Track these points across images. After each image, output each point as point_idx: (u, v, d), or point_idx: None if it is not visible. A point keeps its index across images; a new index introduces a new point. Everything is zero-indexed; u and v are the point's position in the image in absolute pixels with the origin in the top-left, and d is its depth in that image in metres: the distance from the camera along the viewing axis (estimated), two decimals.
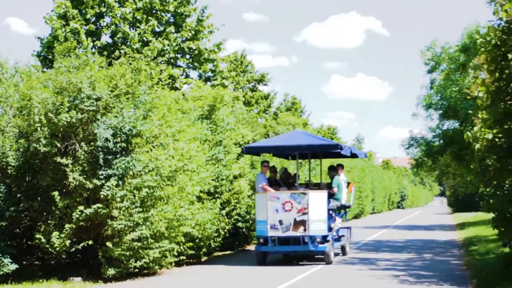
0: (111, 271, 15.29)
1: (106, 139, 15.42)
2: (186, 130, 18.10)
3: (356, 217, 49.07)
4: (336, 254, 20.19)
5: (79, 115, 15.67)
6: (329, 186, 20.20)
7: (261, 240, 18.61)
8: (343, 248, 21.13)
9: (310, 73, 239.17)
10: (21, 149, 16.17)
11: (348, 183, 21.74)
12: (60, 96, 15.87)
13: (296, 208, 18.21)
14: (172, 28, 29.37)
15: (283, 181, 20.44)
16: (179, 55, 30.16)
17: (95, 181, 15.32)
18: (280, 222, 18.20)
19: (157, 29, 29.71)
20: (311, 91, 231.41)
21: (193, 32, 29.90)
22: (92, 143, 15.79)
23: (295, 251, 18.85)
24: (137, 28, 28.86)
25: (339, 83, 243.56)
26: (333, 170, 20.81)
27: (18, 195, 16.29)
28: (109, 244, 15.26)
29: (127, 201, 15.27)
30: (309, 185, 20.78)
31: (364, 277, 15.93)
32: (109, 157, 15.51)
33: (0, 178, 16.10)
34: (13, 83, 17.54)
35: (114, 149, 15.53)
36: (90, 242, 15.49)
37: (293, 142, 19.46)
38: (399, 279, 15.34)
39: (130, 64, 17.77)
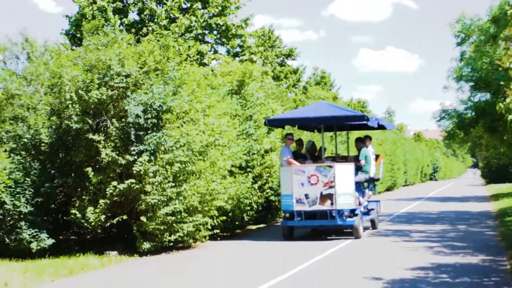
0: (146, 245, 15.51)
1: (137, 115, 15.56)
2: (216, 105, 18.14)
3: (388, 189, 49.02)
4: (365, 228, 19.84)
5: (109, 92, 15.82)
6: (356, 159, 19.72)
7: (287, 215, 18.31)
8: (372, 222, 20.58)
9: (339, 47, 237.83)
10: (53, 126, 16.41)
11: (377, 156, 21.22)
12: (90, 73, 16.03)
13: (322, 181, 17.79)
14: (199, 4, 29.42)
15: (310, 155, 19.91)
16: (206, 31, 30.22)
17: (128, 156, 15.49)
18: (306, 196, 17.84)
19: (184, 6, 29.75)
20: (340, 65, 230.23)
21: (220, 8, 29.90)
22: (123, 120, 15.96)
23: (322, 226, 18.47)
24: (163, 5, 28.94)
25: (367, 57, 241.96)
26: (360, 142, 20.23)
27: (52, 172, 16.55)
28: (143, 218, 15.45)
29: (159, 176, 15.42)
30: (336, 158, 20.27)
31: (398, 248, 15.96)
32: (141, 133, 15.66)
33: (34, 155, 16.36)
34: (43, 61, 17.72)
35: (145, 125, 15.68)
36: (125, 217, 15.70)
37: (317, 114, 18.81)
38: (434, 250, 15.33)
39: (158, 41, 17.86)
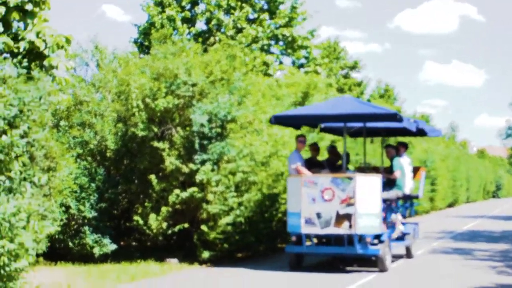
0: (206, 254, 15.46)
1: (202, 125, 15.57)
2: None
3: (450, 205, 48.14)
4: (397, 256, 16.59)
5: (175, 100, 15.88)
6: (388, 171, 16.07)
7: (294, 238, 14.57)
8: (407, 249, 16.86)
9: (403, 59, 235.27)
10: (119, 133, 16.54)
11: (416, 169, 17.96)
12: (157, 81, 16.12)
13: (339, 197, 13.97)
14: (266, 15, 29.46)
15: (330, 163, 16.45)
16: (272, 42, 30.23)
17: (191, 165, 15.50)
18: (318, 215, 14.07)
19: (251, 16, 29.83)
20: (404, 78, 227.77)
21: (286, 19, 29.90)
22: (187, 128, 15.99)
23: (338, 254, 14.83)
24: (231, 15, 29.07)
25: (433, 70, 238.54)
26: (392, 149, 16.59)
27: (116, 178, 16.68)
28: (204, 227, 15.42)
29: (221, 185, 15.39)
30: (365, 170, 17.09)
31: (460, 267, 15.52)
32: (205, 142, 15.66)
33: (100, 161, 16.51)
34: (112, 68, 17.93)
35: (209, 134, 15.67)
36: (186, 225, 15.71)
37: (335, 110, 14.71)
38: (497, 270, 14.89)
39: (225, 50, 17.88)
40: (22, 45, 11.80)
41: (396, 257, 16.24)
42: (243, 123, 16.30)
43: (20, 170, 9.41)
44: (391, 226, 15.73)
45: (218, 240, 15.53)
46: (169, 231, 15.72)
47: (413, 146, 42.83)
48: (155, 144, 15.73)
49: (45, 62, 12.32)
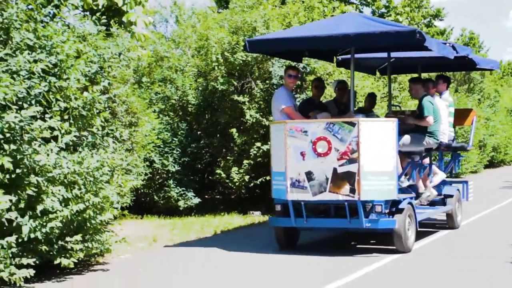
0: None
1: (281, 77, 15.44)
2: None
3: None
4: (436, 224, 13.45)
5: (254, 54, 15.78)
6: (418, 115, 11.73)
7: (278, 208, 10.71)
8: (449, 217, 12.93)
9: (488, 7, 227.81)
10: (200, 88, 16.59)
11: (465, 111, 14.25)
12: (236, 35, 16.03)
13: (336, 150, 9.96)
14: None
15: (338, 105, 12.38)
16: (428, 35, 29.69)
17: (271, 118, 15.43)
18: (309, 175, 10.08)
19: None
20: (489, 25, 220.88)
21: None
22: (267, 81, 15.89)
23: (338, 228, 10.98)
24: None
25: None
26: (418, 85, 11.82)
27: (198, 132, 16.80)
28: None
29: None
30: (389, 114, 13.00)
31: None
32: None
33: (182, 116, 16.64)
34: (191, 24, 17.95)
35: None
36: (268, 178, 15.71)
37: (332, 31, 10.37)
38: None
39: (303, 2, 17.62)
40: (101, 1, 11.85)
41: (435, 228, 13.10)
42: (322, 74, 16.07)
43: (102, 125, 9.53)
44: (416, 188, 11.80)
45: None
46: (251, 184, 15.76)
47: (499, 94, 41.19)
48: (235, 97, 15.71)
49: (124, 18, 12.36)
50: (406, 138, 11.23)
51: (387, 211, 10.20)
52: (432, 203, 12.60)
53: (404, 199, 10.52)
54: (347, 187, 9.90)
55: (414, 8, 47.28)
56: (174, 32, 17.86)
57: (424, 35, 9.78)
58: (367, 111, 13.00)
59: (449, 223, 13.02)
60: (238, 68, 15.91)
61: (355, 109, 11.52)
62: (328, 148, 9.99)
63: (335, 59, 13.63)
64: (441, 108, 12.08)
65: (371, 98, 13.68)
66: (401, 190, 10.77)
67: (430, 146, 11.57)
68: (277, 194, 10.63)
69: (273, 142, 10.77)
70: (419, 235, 11.49)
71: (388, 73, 13.91)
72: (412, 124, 11.50)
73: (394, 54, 12.93)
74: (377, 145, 10.03)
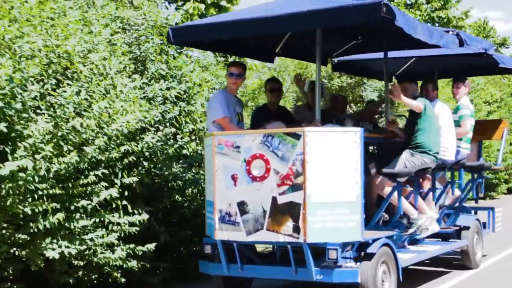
0: None
1: (373, 100, 15.19)
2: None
3: None
4: (452, 262, 9.30)
5: (348, 79, 15.61)
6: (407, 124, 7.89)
7: (208, 250, 6.82)
8: (465, 254, 8.77)
9: None
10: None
11: (493, 123, 10.37)
12: None
13: (276, 172, 6.14)
14: (423, 0, 28.78)
15: (328, 114, 7.70)
16: (429, 24, 29.17)
17: None
18: (242, 207, 6.30)
19: (408, 1, 29.17)
20: None
21: (442, 2, 29.02)
22: (359, 104, 15.69)
23: (282, 279, 6.98)
24: (391, 2, 28.28)
25: None
26: (405, 83, 7.73)
27: None
28: None
29: None
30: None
31: None
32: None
33: None
34: None
35: None
36: None
37: (269, 12, 6.42)
38: None
39: None
40: None
41: (449, 267, 8.99)
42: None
43: None
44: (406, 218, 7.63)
45: None
46: None
47: None
48: None
49: None
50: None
51: (351, 256, 6.44)
52: (444, 236, 8.74)
53: (375, 239, 6.53)
54: (289, 224, 6.06)
55: (482, 37, 46.30)
56: (276, 62, 17.97)
57: (394, 10, 5.77)
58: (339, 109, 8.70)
59: (465, 262, 8.84)
60: (334, 92, 15.73)
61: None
62: (265, 169, 6.17)
63: (329, 61, 9.56)
64: (442, 116, 8.01)
65: (337, 99, 9.09)
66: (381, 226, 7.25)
67: (425, 165, 7.34)
68: (209, 230, 6.79)
69: (205, 161, 6.97)
70: (419, 278, 8.10)
71: (385, 75, 8.30)
72: (402, 137, 7.72)
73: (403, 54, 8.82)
74: (331, 165, 6.12)
